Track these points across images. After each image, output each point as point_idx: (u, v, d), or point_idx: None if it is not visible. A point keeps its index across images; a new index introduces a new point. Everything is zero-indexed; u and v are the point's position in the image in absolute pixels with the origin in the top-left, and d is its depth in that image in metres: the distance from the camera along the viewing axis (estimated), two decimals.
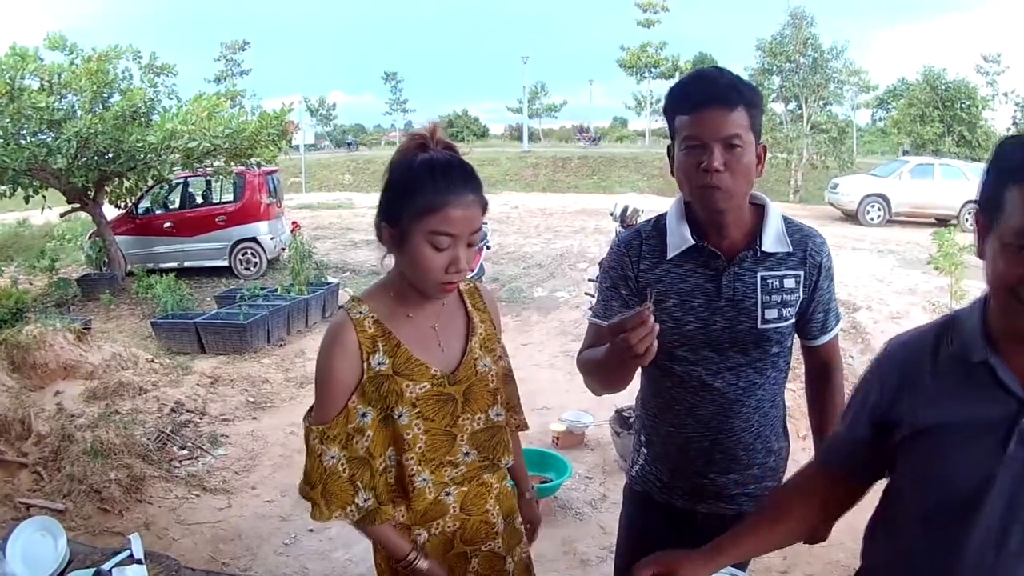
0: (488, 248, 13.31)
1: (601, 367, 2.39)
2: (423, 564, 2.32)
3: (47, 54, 14.01)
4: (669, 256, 2.50)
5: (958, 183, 22.84)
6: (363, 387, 2.23)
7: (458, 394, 2.32)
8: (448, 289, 2.23)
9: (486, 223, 10.41)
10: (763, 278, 2.45)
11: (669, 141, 2.46)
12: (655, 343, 1.99)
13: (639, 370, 2.62)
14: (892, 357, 1.92)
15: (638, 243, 2.58)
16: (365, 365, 2.22)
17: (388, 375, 2.23)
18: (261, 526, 5.84)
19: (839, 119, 38.66)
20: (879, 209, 23.45)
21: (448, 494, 2.37)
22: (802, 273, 2.49)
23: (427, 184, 2.12)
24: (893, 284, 13.69)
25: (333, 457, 2.23)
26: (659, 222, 2.59)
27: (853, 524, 5.31)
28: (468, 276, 2.24)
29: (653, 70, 56.34)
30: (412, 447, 2.26)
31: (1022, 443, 1.61)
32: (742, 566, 2.64)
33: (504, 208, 26.62)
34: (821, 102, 38.02)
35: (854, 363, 9.53)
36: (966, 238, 9.82)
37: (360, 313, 2.26)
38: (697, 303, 2.47)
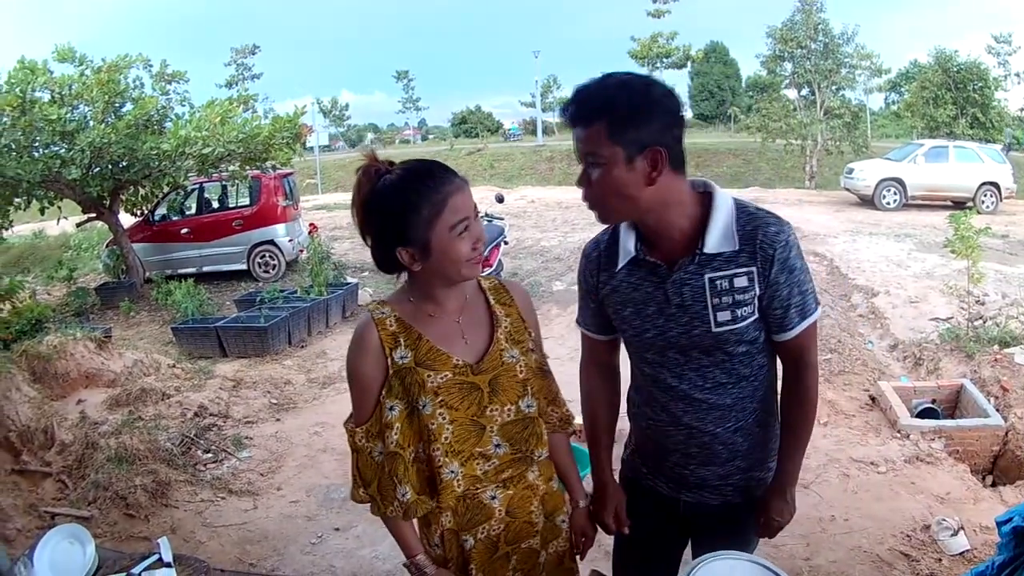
0: (506, 243, 13.32)
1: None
2: (430, 571, 2.42)
3: (56, 66, 14.08)
4: (618, 267, 2.50)
5: (973, 165, 22.89)
6: (389, 382, 2.30)
7: (483, 384, 2.35)
8: (479, 261, 2.30)
9: (502, 218, 10.42)
10: (711, 280, 2.36)
11: None
12: None
13: (628, 362, 2.72)
14: None
15: (596, 255, 2.60)
16: (389, 361, 2.30)
17: (410, 367, 2.30)
18: (287, 526, 5.87)
19: (852, 104, 38.30)
20: (895, 193, 23.30)
21: (493, 498, 2.42)
22: (754, 269, 2.35)
23: (420, 193, 2.20)
24: (911, 268, 13.67)
25: (380, 453, 2.34)
26: (616, 230, 2.54)
27: (876, 512, 5.35)
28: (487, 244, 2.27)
29: (665, 60, 56.01)
30: (438, 437, 2.30)
31: None
32: (749, 548, 2.67)
33: (520, 202, 26.56)
34: (834, 87, 37.72)
35: (873, 348, 9.53)
36: (983, 220, 9.77)
37: (382, 313, 2.35)
38: (651, 311, 2.46)
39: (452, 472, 2.33)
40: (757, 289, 2.36)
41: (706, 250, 2.33)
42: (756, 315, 2.40)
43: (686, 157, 2.32)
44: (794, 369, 2.54)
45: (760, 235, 2.33)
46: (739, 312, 2.36)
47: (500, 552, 2.47)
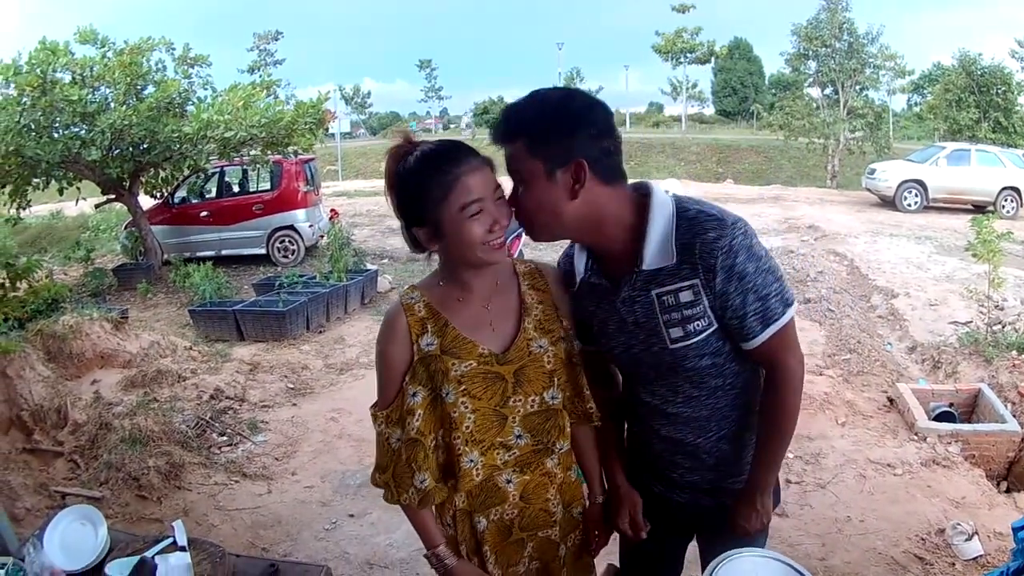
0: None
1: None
2: (451, 561, 2.40)
3: (78, 48, 14.06)
4: (576, 285, 2.49)
5: (994, 169, 22.81)
6: (414, 368, 2.30)
7: (508, 374, 2.34)
8: (497, 247, 2.25)
9: None
10: (659, 296, 2.29)
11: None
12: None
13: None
14: None
15: (566, 269, 2.57)
16: (415, 347, 2.31)
17: (436, 355, 2.30)
18: (301, 512, 5.88)
19: (875, 104, 38.19)
20: (916, 195, 23.19)
21: (509, 481, 2.41)
22: (697, 281, 2.24)
23: (432, 172, 2.20)
24: (931, 271, 13.61)
25: (398, 439, 2.33)
26: (573, 246, 2.53)
27: (891, 514, 5.31)
28: (509, 233, 2.25)
29: (689, 55, 55.88)
30: (459, 426, 2.30)
31: None
32: (761, 543, 2.63)
33: None
34: (857, 87, 37.63)
35: (892, 350, 9.49)
36: (1003, 225, 9.71)
37: (412, 298, 2.36)
38: (612, 328, 2.43)
39: (471, 461, 2.33)
40: (706, 301, 2.26)
41: (644, 267, 2.27)
42: (714, 326, 2.30)
43: (622, 168, 2.29)
44: (770, 375, 2.43)
45: (699, 244, 2.22)
46: (690, 327, 2.28)
47: (514, 537, 2.47)
